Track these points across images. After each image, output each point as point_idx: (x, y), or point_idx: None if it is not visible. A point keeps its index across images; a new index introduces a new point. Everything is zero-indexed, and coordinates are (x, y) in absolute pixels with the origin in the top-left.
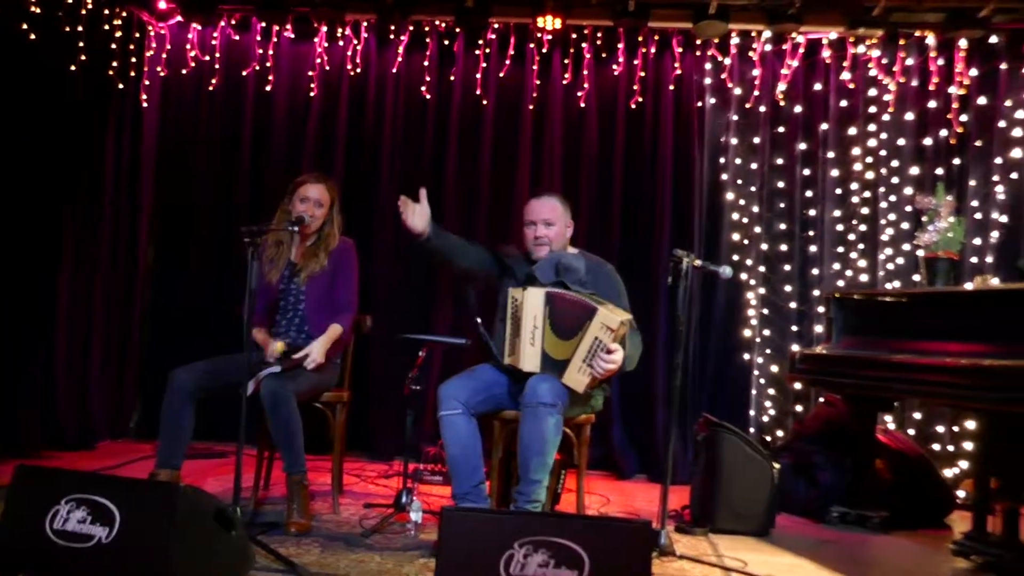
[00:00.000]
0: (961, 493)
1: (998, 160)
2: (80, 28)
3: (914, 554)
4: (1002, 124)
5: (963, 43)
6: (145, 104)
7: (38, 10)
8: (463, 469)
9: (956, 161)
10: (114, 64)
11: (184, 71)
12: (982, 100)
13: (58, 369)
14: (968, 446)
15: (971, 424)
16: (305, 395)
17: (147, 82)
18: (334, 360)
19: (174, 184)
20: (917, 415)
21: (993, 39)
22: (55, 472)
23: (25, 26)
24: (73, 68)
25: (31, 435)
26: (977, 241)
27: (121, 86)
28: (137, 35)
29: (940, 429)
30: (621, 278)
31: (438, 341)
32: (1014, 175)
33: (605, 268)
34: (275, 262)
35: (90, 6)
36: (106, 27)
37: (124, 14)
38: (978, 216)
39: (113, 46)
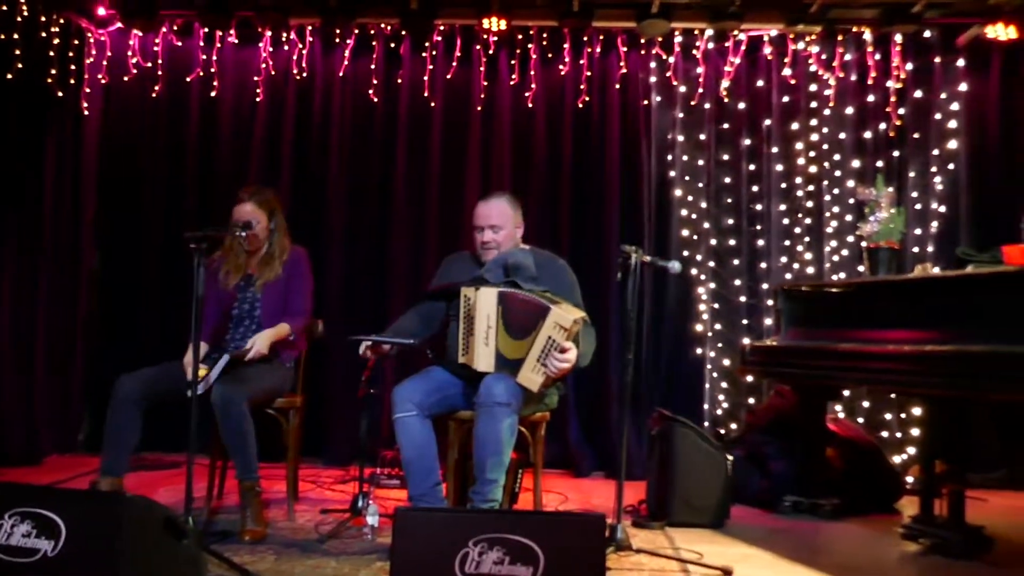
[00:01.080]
0: (910, 479)
1: (935, 151)
2: (16, 36)
3: (865, 539)
4: (938, 116)
5: (898, 38)
6: (86, 112)
7: None
8: (418, 471)
9: (895, 153)
10: (53, 72)
11: (126, 78)
12: (918, 93)
13: (1, 381)
14: (916, 432)
15: (918, 411)
16: (257, 400)
17: (88, 90)
18: (287, 365)
19: (120, 190)
20: (866, 403)
21: (927, 34)
22: None
23: None
24: (9, 76)
25: None
26: (918, 231)
27: (60, 94)
28: (76, 42)
29: (888, 417)
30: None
31: (385, 341)
32: (951, 166)
33: (556, 263)
34: (231, 272)
35: (26, 13)
36: (43, 34)
37: (62, 21)
38: (918, 206)
39: (51, 53)
